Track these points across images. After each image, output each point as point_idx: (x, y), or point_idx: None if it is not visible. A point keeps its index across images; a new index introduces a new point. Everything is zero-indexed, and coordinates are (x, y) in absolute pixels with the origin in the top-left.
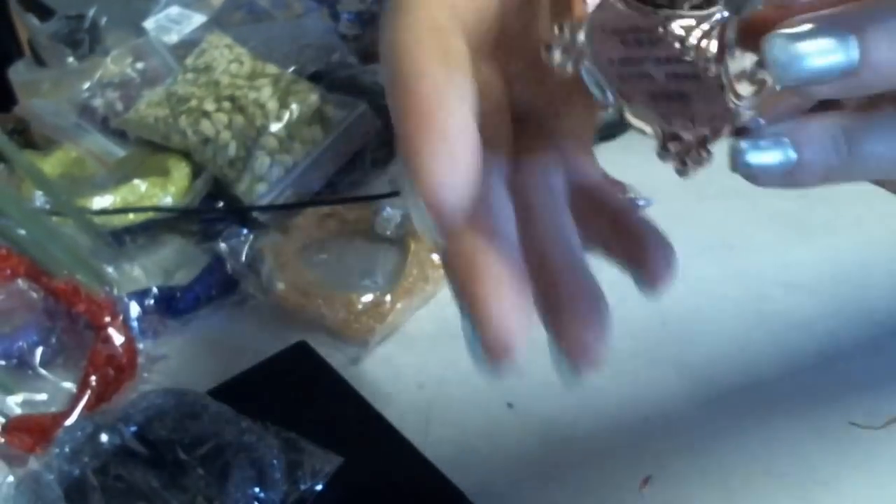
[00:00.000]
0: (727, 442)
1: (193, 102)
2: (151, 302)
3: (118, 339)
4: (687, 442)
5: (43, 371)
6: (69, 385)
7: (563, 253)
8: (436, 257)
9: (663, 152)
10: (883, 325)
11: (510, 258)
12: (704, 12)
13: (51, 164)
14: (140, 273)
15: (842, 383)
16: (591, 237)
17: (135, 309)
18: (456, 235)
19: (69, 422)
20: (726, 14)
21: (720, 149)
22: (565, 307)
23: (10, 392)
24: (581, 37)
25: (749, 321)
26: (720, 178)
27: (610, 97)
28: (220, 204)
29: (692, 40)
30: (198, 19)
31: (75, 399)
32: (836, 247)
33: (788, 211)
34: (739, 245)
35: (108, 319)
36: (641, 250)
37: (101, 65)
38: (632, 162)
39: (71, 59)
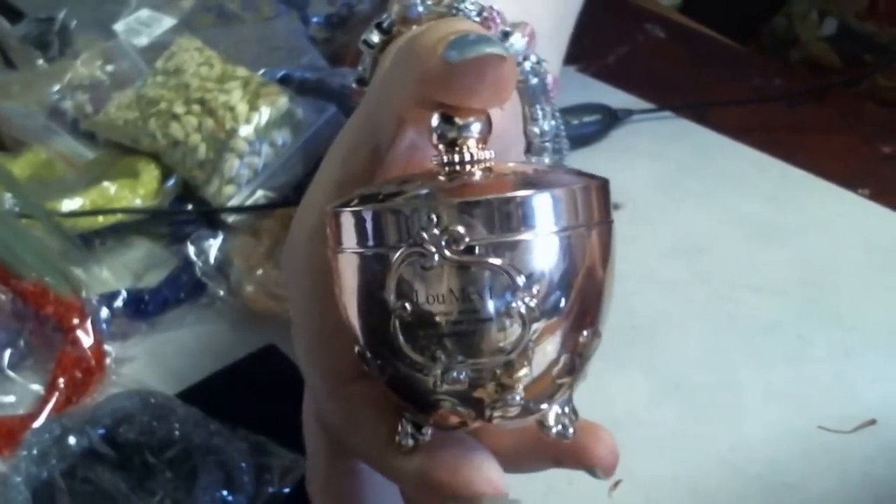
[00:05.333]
0: (696, 445)
1: (163, 105)
2: (120, 304)
3: (87, 341)
4: (656, 445)
5: (11, 373)
6: (37, 387)
7: None
8: None
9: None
10: (852, 328)
11: None
12: None
13: (20, 166)
14: (109, 275)
15: (811, 387)
16: None
17: (103, 311)
18: None
19: (37, 424)
20: None
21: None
22: None
23: None
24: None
25: (718, 324)
26: (689, 181)
27: None
28: (190, 206)
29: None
30: (168, 22)
31: (43, 401)
32: (805, 250)
33: (758, 214)
34: (708, 247)
35: (76, 321)
36: None
37: (71, 67)
38: (605, 167)
39: (41, 62)
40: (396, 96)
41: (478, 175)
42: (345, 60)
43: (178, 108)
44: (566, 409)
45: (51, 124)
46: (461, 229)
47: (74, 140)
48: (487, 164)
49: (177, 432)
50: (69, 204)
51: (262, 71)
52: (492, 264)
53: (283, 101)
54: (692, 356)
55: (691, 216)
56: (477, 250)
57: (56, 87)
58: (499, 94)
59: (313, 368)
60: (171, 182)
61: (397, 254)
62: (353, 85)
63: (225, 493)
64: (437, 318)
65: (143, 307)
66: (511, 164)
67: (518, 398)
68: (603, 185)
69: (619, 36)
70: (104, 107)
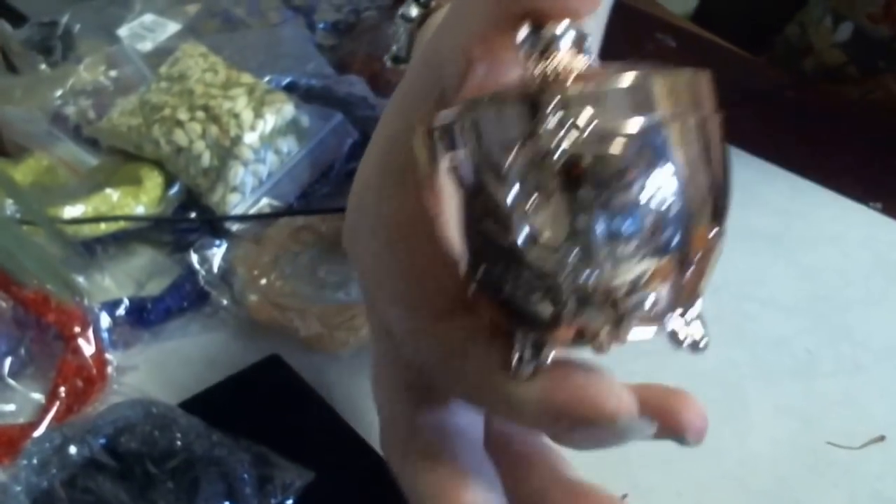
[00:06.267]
0: (703, 460)
1: (167, 111)
2: (122, 313)
3: (88, 349)
4: (663, 460)
5: (11, 381)
6: (38, 396)
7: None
8: None
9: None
10: (861, 343)
11: None
12: None
13: (22, 173)
14: (111, 283)
15: (820, 402)
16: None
17: (105, 320)
18: None
19: (37, 433)
20: None
21: None
22: None
23: None
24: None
25: (726, 338)
26: None
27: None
28: (193, 214)
29: None
30: (172, 27)
31: (44, 410)
32: (815, 263)
33: (767, 227)
34: (718, 261)
35: (78, 330)
36: None
37: (74, 72)
38: None
39: (43, 67)
40: (462, 32)
41: (570, 80)
42: (351, 68)
43: (182, 115)
44: (696, 319)
45: (53, 130)
46: (580, 118)
47: (77, 146)
48: (582, 72)
49: (179, 443)
50: (71, 211)
51: (267, 78)
52: (624, 157)
53: (288, 108)
54: (699, 370)
55: None
56: (594, 140)
57: (59, 93)
58: None
59: (405, 310)
60: (174, 189)
61: (512, 151)
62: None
63: None
64: (558, 222)
65: (145, 316)
66: (604, 68)
67: (648, 306)
68: (709, 77)
69: (630, 45)
70: (107, 113)
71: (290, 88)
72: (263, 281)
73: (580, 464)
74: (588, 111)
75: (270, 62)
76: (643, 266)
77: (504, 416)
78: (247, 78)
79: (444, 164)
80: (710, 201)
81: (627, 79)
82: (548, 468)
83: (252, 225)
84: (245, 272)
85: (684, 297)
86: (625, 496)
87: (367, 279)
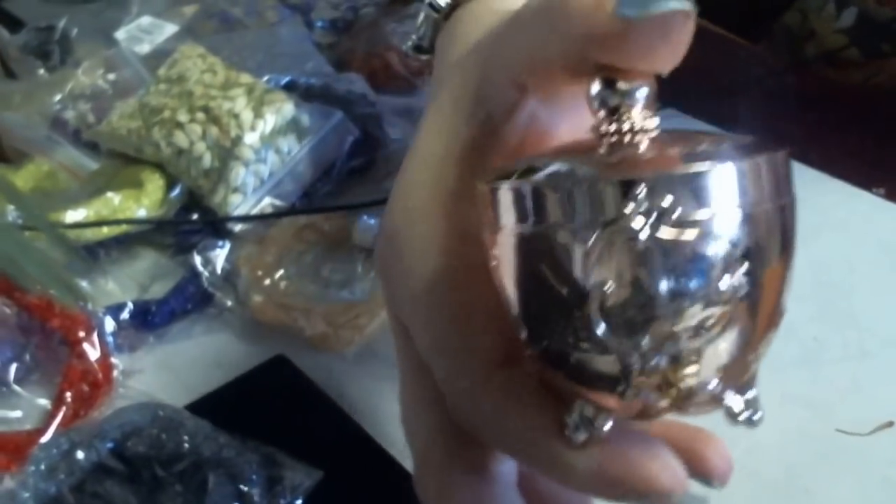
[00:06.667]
0: None
1: (166, 113)
2: (126, 316)
3: (93, 354)
4: None
5: (17, 388)
6: (44, 402)
7: None
8: None
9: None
10: (869, 329)
11: None
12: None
13: (22, 178)
14: (114, 287)
15: (828, 389)
16: None
17: (110, 323)
18: None
19: (44, 439)
20: None
21: None
22: None
23: None
24: None
25: None
26: None
27: None
28: (195, 216)
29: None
30: (170, 29)
31: (50, 416)
32: (820, 251)
33: None
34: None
35: (82, 334)
36: None
37: (73, 76)
38: None
39: (42, 71)
40: (523, 57)
41: (644, 146)
42: (350, 65)
43: (182, 117)
44: (752, 395)
45: (53, 135)
46: (668, 204)
47: (77, 150)
48: (652, 135)
49: (186, 445)
50: (73, 215)
51: (266, 77)
52: (699, 242)
53: (288, 107)
54: None
55: None
56: (680, 226)
57: (57, 97)
58: (676, 56)
59: (452, 356)
60: (175, 191)
61: (597, 232)
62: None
63: None
64: (639, 299)
65: (149, 319)
66: (673, 134)
67: (712, 384)
68: (785, 156)
69: None
70: (107, 116)
71: (289, 87)
72: (267, 281)
73: None
74: (670, 198)
75: (269, 62)
76: (717, 313)
77: (550, 478)
78: (246, 78)
79: (510, 228)
80: (781, 287)
81: (708, 164)
82: None
83: (255, 225)
84: (249, 273)
85: (744, 377)
86: None
87: (403, 309)
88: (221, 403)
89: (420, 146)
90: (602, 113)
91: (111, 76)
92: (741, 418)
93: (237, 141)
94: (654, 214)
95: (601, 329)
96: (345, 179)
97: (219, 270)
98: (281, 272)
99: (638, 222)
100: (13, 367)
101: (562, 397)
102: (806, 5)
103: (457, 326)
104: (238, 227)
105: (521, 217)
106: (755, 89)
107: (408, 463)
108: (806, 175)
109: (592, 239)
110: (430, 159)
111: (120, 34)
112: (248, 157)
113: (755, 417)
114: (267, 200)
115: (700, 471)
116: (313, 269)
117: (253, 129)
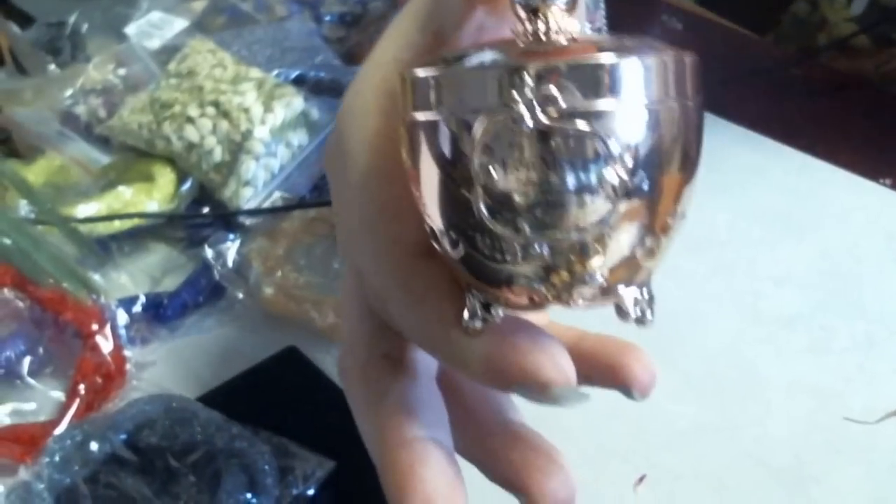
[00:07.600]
0: (721, 439)
1: (177, 108)
2: (139, 309)
3: (106, 346)
4: (680, 439)
5: (31, 380)
6: (58, 394)
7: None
8: None
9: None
10: (875, 318)
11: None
12: None
13: (34, 173)
14: (127, 280)
15: (835, 378)
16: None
17: (122, 316)
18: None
19: (58, 431)
20: None
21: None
22: (520, 470)
23: None
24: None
25: (740, 316)
26: (708, 173)
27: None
28: (206, 209)
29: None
30: (180, 24)
31: (64, 408)
32: (826, 241)
33: (778, 205)
34: (729, 240)
35: (95, 327)
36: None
37: (83, 72)
38: None
39: (53, 67)
40: None
41: (563, 42)
42: (359, 59)
43: (193, 111)
44: (645, 294)
45: (64, 130)
46: (555, 92)
47: (88, 145)
48: (573, 35)
49: (199, 436)
50: (85, 209)
51: (276, 72)
52: (588, 131)
53: (297, 101)
54: (714, 349)
55: (711, 209)
56: (570, 115)
57: (69, 93)
58: None
59: (372, 244)
60: (186, 185)
61: (483, 118)
62: None
63: (248, 495)
64: (523, 188)
65: (162, 311)
66: (596, 35)
67: (598, 278)
68: (696, 62)
69: (636, 27)
70: (118, 111)
71: (298, 81)
72: (278, 273)
73: (598, 446)
74: (566, 85)
75: (278, 56)
76: (609, 207)
77: (450, 367)
78: (255, 72)
79: (421, 110)
80: (680, 186)
81: (610, 56)
82: (494, 410)
83: (265, 218)
84: (259, 265)
85: (637, 275)
86: (643, 477)
87: (342, 194)
88: (233, 394)
89: (375, 53)
90: (523, 13)
91: (122, 71)
92: (632, 314)
93: (247, 135)
94: (538, 102)
95: (483, 215)
96: None
97: (230, 263)
98: (291, 264)
99: (523, 109)
100: (27, 360)
101: (465, 288)
102: None
103: (384, 217)
104: (249, 221)
105: (423, 104)
106: (763, 81)
107: None
108: (812, 166)
109: (480, 122)
110: (382, 63)
111: (130, 29)
112: (259, 151)
113: (646, 317)
114: (277, 194)
115: (620, 380)
116: (323, 261)
117: (263, 122)
